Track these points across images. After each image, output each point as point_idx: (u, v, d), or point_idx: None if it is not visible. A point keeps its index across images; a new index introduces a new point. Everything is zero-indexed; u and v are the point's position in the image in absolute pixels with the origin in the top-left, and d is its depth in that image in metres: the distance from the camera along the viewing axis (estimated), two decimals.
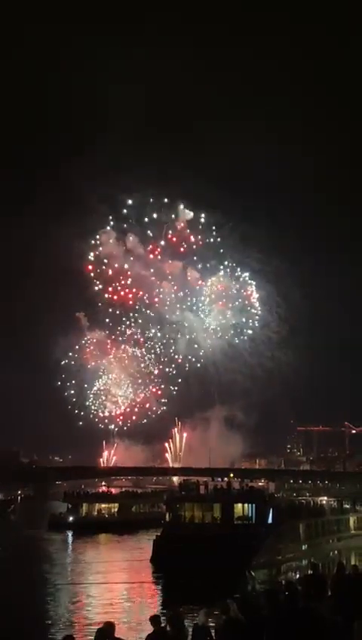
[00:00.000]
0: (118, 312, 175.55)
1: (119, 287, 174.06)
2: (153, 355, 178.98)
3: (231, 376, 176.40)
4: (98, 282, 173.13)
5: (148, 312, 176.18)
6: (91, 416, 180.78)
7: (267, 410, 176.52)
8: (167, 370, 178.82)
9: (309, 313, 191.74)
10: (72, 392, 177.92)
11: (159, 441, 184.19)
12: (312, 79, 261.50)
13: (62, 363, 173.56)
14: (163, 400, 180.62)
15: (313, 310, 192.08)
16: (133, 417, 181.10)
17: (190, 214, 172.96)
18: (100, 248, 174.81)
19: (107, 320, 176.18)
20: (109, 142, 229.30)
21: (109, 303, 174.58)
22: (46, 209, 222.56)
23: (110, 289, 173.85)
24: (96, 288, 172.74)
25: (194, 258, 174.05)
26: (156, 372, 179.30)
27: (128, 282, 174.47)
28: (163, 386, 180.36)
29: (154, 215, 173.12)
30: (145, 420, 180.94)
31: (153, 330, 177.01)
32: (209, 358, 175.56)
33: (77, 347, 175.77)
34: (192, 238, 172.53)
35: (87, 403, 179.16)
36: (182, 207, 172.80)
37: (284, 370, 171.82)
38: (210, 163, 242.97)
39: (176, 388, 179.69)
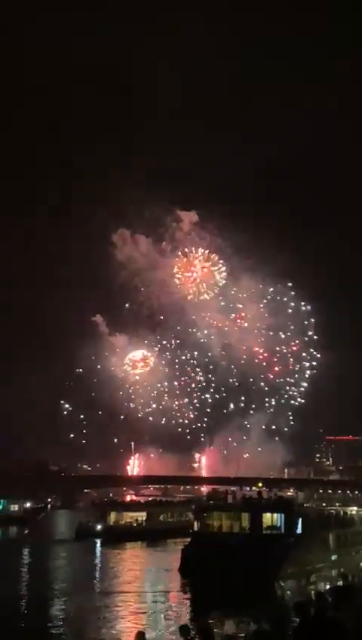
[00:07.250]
0: (145, 317, 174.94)
1: (143, 290, 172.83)
2: (187, 361, 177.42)
3: (267, 382, 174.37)
4: (121, 285, 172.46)
5: (178, 315, 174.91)
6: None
7: (297, 418, 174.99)
8: (200, 376, 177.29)
9: (338, 319, 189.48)
10: (101, 399, 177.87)
11: (191, 450, 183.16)
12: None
13: (90, 370, 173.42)
14: (197, 407, 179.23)
15: (341, 316, 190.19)
16: (169, 427, 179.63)
17: (194, 216, 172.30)
18: (118, 251, 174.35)
19: (132, 325, 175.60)
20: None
21: (135, 307, 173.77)
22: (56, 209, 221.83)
23: (134, 293, 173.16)
24: (120, 291, 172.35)
25: (221, 261, 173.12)
26: (188, 380, 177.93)
27: (153, 285, 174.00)
28: (197, 394, 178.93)
29: (168, 217, 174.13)
30: (178, 429, 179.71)
31: (185, 336, 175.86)
32: (245, 362, 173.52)
33: (106, 354, 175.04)
34: (214, 240, 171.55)
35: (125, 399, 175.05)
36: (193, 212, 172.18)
37: (317, 378, 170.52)
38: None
39: (209, 396, 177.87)
